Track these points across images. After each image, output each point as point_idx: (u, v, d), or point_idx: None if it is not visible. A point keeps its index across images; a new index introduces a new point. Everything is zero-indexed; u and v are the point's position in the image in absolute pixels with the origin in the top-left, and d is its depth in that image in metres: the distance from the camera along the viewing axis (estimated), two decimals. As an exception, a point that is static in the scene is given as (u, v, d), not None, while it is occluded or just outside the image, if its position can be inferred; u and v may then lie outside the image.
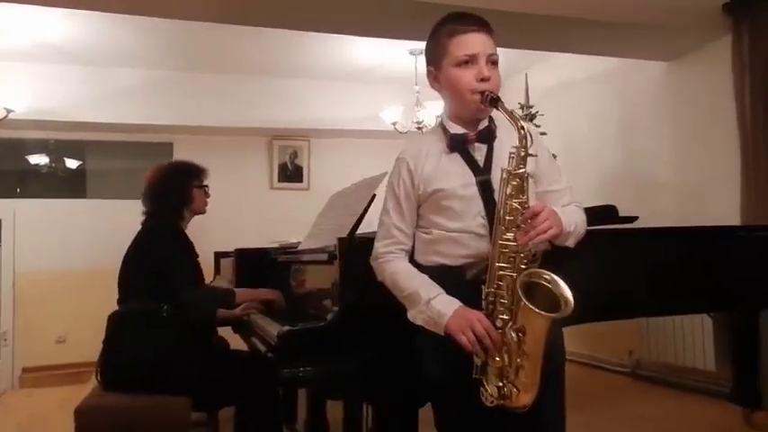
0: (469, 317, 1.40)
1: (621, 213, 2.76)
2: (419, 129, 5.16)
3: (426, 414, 1.81)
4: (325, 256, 2.02)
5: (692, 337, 3.92)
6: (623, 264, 2.47)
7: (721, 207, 3.73)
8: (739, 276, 2.70)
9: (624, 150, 4.72)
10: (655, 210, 4.08)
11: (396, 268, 1.56)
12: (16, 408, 4.43)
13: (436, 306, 1.44)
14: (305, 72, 5.61)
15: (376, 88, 5.85)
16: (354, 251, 1.83)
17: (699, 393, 3.86)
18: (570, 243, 1.52)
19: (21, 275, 5.35)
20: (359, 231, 2.22)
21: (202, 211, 2.82)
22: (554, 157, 3.83)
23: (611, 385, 4.39)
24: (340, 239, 1.88)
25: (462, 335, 1.38)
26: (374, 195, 2.22)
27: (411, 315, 1.51)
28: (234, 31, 4.19)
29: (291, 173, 6.17)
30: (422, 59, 4.99)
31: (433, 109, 5.08)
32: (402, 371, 1.76)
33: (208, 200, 2.84)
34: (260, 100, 5.69)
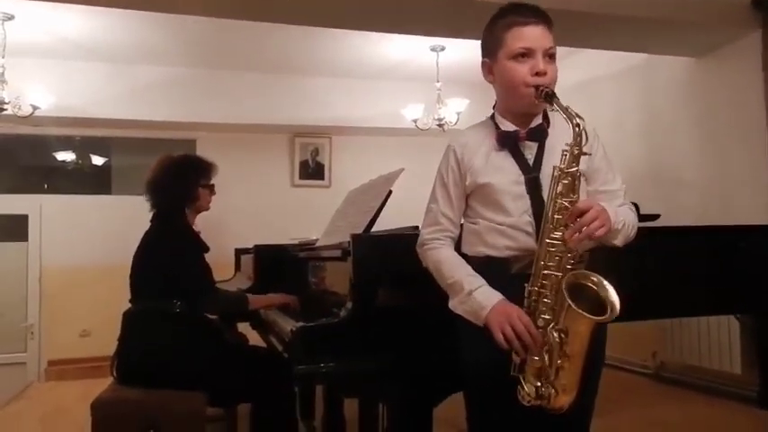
0: (510, 312, 1.37)
1: (644, 211, 2.70)
2: (440, 126, 5.13)
3: (440, 413, 1.80)
4: (339, 253, 2.01)
5: (717, 339, 3.83)
6: (645, 262, 2.42)
7: (747, 206, 3.65)
8: (766, 277, 2.64)
9: (648, 148, 4.64)
10: (678, 208, 4.00)
11: (440, 256, 1.54)
12: (40, 400, 4.51)
13: (477, 298, 1.43)
14: (327, 70, 5.61)
15: (397, 86, 5.83)
16: (368, 248, 1.82)
17: (724, 397, 3.78)
18: (618, 242, 1.47)
19: (47, 270, 5.45)
20: (376, 227, 2.21)
21: (206, 209, 2.78)
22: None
23: (633, 387, 4.32)
24: (353, 236, 1.87)
25: (500, 332, 1.36)
26: (390, 192, 2.22)
27: (452, 304, 1.50)
28: (257, 28, 4.20)
29: (313, 170, 6.18)
30: (443, 56, 5.03)
31: (455, 106, 5.05)
32: (416, 368, 1.75)
33: (213, 198, 2.80)
34: (282, 97, 5.71)
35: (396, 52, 5.16)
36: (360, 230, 2.14)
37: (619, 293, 2.24)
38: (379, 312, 1.77)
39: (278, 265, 3.22)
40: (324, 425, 3.10)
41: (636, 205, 2.68)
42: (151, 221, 2.69)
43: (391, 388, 1.79)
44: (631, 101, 4.80)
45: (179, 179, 2.67)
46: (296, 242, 3.62)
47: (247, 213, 5.62)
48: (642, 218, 2.68)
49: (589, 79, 5.12)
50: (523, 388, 1.37)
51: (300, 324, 1.83)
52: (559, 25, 3.83)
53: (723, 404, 3.71)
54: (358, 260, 1.82)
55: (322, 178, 6.19)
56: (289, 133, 6.10)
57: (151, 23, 4.42)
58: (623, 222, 1.46)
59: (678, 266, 2.52)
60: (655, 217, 2.78)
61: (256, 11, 3.56)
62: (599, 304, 1.31)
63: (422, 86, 5.44)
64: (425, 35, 4.29)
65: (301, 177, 6.16)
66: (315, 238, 3.30)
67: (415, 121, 5.21)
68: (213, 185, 2.80)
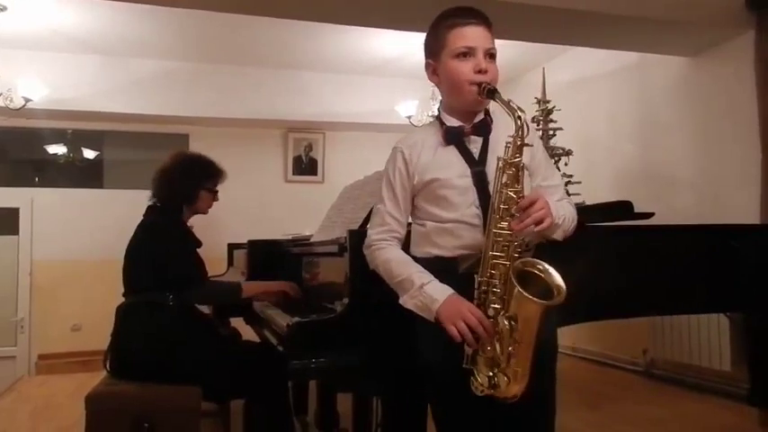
0: (461, 307, 1.40)
1: (637, 210, 2.73)
2: (434, 123, 5.13)
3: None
4: (335, 249, 2.01)
5: (707, 337, 3.86)
6: (638, 260, 2.44)
7: (740, 205, 3.68)
8: (757, 276, 2.66)
9: (642, 146, 4.67)
10: (672, 207, 4.03)
11: (389, 255, 1.57)
12: (31, 394, 4.49)
13: (429, 291, 1.45)
14: (320, 65, 5.60)
15: (391, 82, 5.83)
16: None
17: (714, 394, 3.81)
18: (558, 236, 1.52)
19: (38, 264, 5.43)
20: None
21: (204, 213, 2.79)
22: (570, 151, 3.83)
23: (623, 384, 4.35)
24: (350, 232, 1.87)
25: (452, 325, 1.39)
26: (387, 188, 2.21)
27: (403, 300, 1.52)
28: (250, 22, 4.19)
29: (306, 166, 6.18)
30: (438, 53, 5.00)
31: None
32: (411, 364, 1.76)
33: (214, 203, 2.80)
34: (275, 92, 5.70)
35: (390, 48, 5.16)
36: (356, 226, 2.15)
37: (611, 291, 2.26)
38: (375, 308, 1.77)
39: (271, 260, 3.22)
40: (317, 420, 3.10)
41: (629, 203, 2.72)
42: (144, 215, 2.68)
43: (386, 383, 1.80)
44: (625, 99, 4.82)
45: (184, 176, 2.67)
46: (289, 237, 3.62)
47: (240, 208, 5.59)
48: (636, 216, 2.71)
49: (583, 78, 5.14)
50: (476, 379, 1.40)
51: (297, 319, 1.83)
52: (554, 23, 3.87)
53: (713, 401, 3.75)
54: (355, 255, 1.82)
55: (315, 174, 6.19)
56: (282, 128, 6.10)
57: (145, 16, 4.40)
58: (563, 217, 1.51)
59: (671, 264, 2.54)
60: (649, 215, 2.80)
61: (251, 5, 3.55)
62: (546, 290, 1.35)
63: (416, 83, 5.42)
64: (420, 31, 4.28)
65: (294, 173, 6.16)
66: (308, 233, 3.30)
67: (409, 117, 5.21)
68: (217, 192, 2.80)
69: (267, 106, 5.71)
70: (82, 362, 5.09)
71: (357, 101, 5.87)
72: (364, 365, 1.76)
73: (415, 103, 5.21)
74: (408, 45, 5.02)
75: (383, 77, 5.87)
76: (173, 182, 2.64)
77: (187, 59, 5.43)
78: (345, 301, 1.82)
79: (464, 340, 1.38)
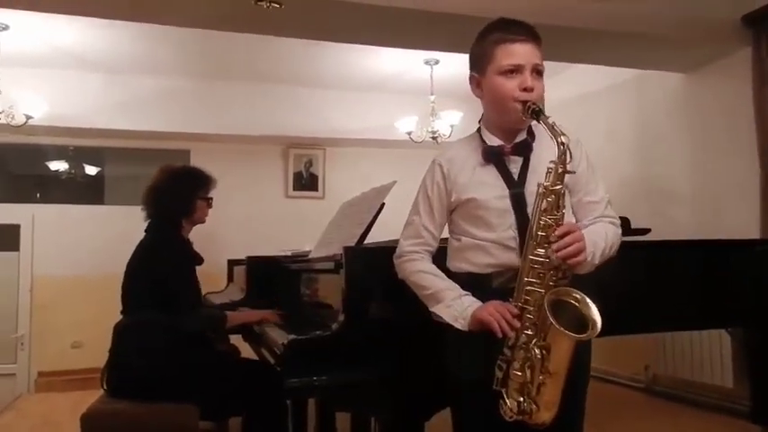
0: (489, 303, 1.41)
1: (636, 225, 2.72)
2: (434, 139, 5.16)
3: (432, 428, 1.79)
4: (332, 265, 2.01)
5: (709, 353, 3.84)
6: (637, 276, 2.43)
7: (739, 220, 3.67)
8: (757, 291, 2.65)
9: (639, 162, 4.67)
10: (670, 222, 4.03)
11: (422, 267, 1.57)
12: (30, 412, 4.46)
13: (465, 302, 1.46)
14: (321, 81, 5.63)
15: (391, 98, 5.85)
16: (361, 260, 1.82)
17: (716, 411, 3.78)
18: (585, 271, 1.45)
19: (38, 280, 5.41)
20: (368, 240, 2.21)
21: (202, 222, 2.79)
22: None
23: (625, 400, 4.32)
24: (346, 248, 1.87)
25: (486, 314, 1.39)
26: (383, 204, 2.22)
27: (437, 308, 1.50)
28: (251, 39, 4.21)
29: (306, 181, 6.18)
30: (437, 69, 5.05)
31: (449, 119, 5.07)
32: (408, 382, 1.75)
33: (209, 210, 2.80)
34: (276, 108, 5.72)
35: (390, 65, 5.18)
36: (352, 243, 2.15)
37: (611, 307, 2.25)
38: (371, 325, 1.77)
39: (270, 276, 3.22)
40: (315, 438, 3.08)
41: (626, 220, 2.71)
42: (146, 231, 2.68)
43: (383, 402, 1.79)
44: (623, 115, 4.84)
45: (178, 191, 2.67)
46: (288, 254, 3.62)
47: (241, 224, 5.61)
48: (633, 232, 2.71)
49: (582, 94, 5.16)
50: (506, 403, 1.38)
51: (293, 337, 1.83)
52: (553, 41, 3.86)
53: (715, 418, 3.72)
54: (350, 273, 1.82)
55: (316, 189, 6.19)
56: (283, 144, 6.11)
57: (145, 34, 4.43)
58: (592, 253, 1.43)
59: (670, 280, 2.53)
60: (645, 231, 2.80)
61: (250, 23, 3.58)
62: (581, 321, 1.32)
63: (416, 99, 5.47)
64: (420, 49, 4.32)
65: (295, 188, 6.16)
66: (307, 249, 3.30)
67: (409, 133, 5.23)
68: (211, 198, 2.81)
69: (268, 122, 5.72)
70: (82, 379, 5.05)
71: (357, 117, 5.89)
72: (360, 384, 1.75)
73: (415, 120, 5.22)
74: (408, 62, 5.05)
75: (383, 94, 5.89)
76: (167, 197, 2.64)
77: (188, 76, 5.46)
78: (341, 318, 1.81)
79: (501, 328, 1.36)
